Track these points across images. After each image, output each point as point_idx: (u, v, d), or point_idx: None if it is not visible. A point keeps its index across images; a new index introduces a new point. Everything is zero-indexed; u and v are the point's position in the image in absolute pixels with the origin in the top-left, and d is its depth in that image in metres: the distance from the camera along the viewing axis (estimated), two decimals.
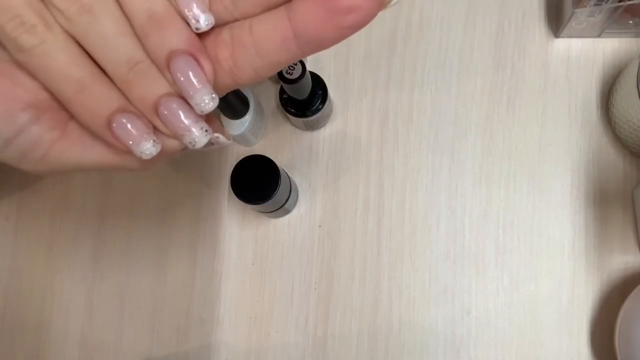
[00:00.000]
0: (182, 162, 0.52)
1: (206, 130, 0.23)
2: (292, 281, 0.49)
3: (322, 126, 0.51)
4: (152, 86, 0.22)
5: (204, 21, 0.22)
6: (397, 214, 0.49)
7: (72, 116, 0.23)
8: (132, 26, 0.22)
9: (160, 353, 0.49)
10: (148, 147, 0.22)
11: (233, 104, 0.45)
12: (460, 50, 0.51)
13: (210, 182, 0.51)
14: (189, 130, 0.23)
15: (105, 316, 0.50)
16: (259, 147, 0.51)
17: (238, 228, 0.50)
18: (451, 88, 0.50)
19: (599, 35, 0.49)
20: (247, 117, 0.47)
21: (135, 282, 0.50)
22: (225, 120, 0.48)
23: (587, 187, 0.48)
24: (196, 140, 0.23)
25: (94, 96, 0.22)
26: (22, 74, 0.22)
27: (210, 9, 0.22)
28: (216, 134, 0.24)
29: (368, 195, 0.50)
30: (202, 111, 0.22)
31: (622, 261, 0.47)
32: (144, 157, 0.23)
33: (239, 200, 0.42)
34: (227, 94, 0.43)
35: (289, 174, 0.48)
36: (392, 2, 0.22)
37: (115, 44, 0.22)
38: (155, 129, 0.23)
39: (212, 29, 0.22)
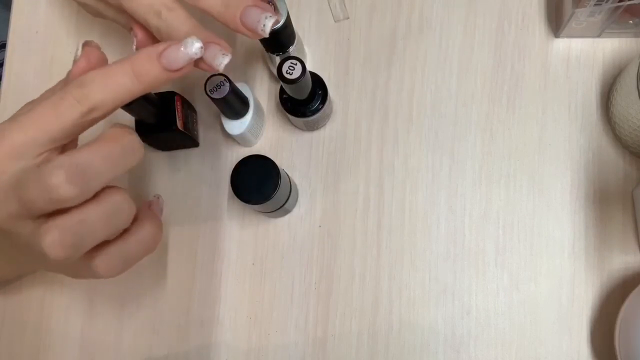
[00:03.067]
0: (182, 162, 0.52)
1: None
2: (292, 281, 0.49)
3: (322, 126, 0.51)
4: None
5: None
6: (397, 214, 0.49)
7: None
8: None
9: (160, 353, 0.49)
10: (220, 59, 0.36)
11: (233, 104, 0.45)
12: (460, 50, 0.51)
13: (210, 182, 0.51)
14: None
15: (105, 316, 0.50)
16: (259, 147, 0.51)
17: (238, 228, 0.50)
18: (451, 88, 0.50)
19: (599, 35, 0.49)
20: (247, 117, 0.47)
21: (136, 282, 0.50)
22: (225, 120, 0.48)
23: (587, 187, 0.48)
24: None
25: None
26: None
27: None
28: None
29: (368, 195, 0.50)
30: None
31: (622, 261, 0.47)
32: (220, 67, 0.36)
33: (239, 200, 0.42)
34: (227, 94, 0.43)
35: (289, 174, 0.48)
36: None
37: None
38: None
39: None
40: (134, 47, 0.39)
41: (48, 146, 0.33)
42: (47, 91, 0.37)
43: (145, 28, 0.39)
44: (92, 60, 0.35)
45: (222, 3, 0.37)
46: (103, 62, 0.36)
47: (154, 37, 0.40)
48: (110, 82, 0.33)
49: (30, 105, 0.36)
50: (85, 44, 0.36)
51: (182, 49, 0.33)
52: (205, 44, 0.35)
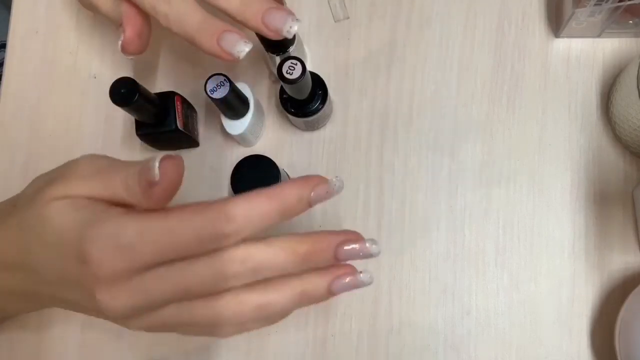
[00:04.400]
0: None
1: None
2: None
3: (322, 126, 0.51)
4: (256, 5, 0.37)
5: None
6: (397, 214, 0.49)
7: None
8: None
9: (160, 353, 0.49)
10: (242, 46, 0.36)
11: (233, 104, 0.45)
12: (460, 50, 0.51)
13: (210, 182, 0.51)
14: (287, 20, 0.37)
15: None
16: (259, 147, 0.51)
17: None
18: (451, 88, 0.50)
19: (599, 35, 0.49)
20: (247, 117, 0.47)
21: None
22: (225, 120, 0.48)
23: (587, 187, 0.48)
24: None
25: (209, 27, 0.36)
26: None
27: None
28: None
29: (368, 195, 0.50)
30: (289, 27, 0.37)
31: (622, 261, 0.47)
32: (241, 55, 0.36)
33: None
34: (227, 94, 0.43)
35: (289, 174, 0.48)
36: None
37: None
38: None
39: None
40: (120, 43, 0.39)
41: None
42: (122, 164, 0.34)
43: (134, 26, 0.38)
44: (173, 177, 0.31)
45: (241, 2, 0.37)
46: (181, 173, 0.32)
47: (141, 35, 0.39)
48: (259, 221, 0.31)
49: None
50: (164, 161, 0.30)
51: (328, 190, 0.33)
52: (224, 32, 0.36)
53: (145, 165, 0.30)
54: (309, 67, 0.45)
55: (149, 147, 0.51)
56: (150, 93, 0.45)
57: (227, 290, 0.32)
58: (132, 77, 0.43)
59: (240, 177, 0.42)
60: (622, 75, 0.46)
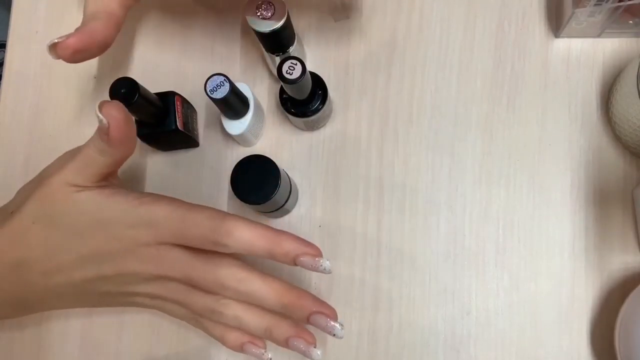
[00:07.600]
0: (182, 162, 0.52)
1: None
2: (292, 281, 0.49)
3: (322, 126, 0.51)
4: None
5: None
6: (397, 214, 0.49)
7: None
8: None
9: (160, 353, 0.49)
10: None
11: (233, 104, 0.45)
12: (460, 50, 0.51)
13: (210, 182, 0.51)
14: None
15: (105, 316, 0.50)
16: (259, 147, 0.51)
17: None
18: (451, 88, 0.50)
19: (599, 35, 0.49)
20: (247, 117, 0.47)
21: None
22: (225, 120, 0.48)
23: (587, 187, 0.48)
24: None
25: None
26: None
27: None
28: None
29: (368, 195, 0.50)
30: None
31: (622, 261, 0.47)
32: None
33: (239, 200, 0.42)
34: (227, 94, 0.43)
35: (289, 174, 0.48)
36: None
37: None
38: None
39: None
40: (55, 40, 0.41)
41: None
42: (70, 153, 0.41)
43: (85, 43, 0.43)
44: (116, 114, 0.37)
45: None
46: (126, 115, 0.38)
47: (82, 53, 0.43)
48: (250, 248, 0.38)
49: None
50: (104, 107, 0.37)
51: (315, 263, 0.38)
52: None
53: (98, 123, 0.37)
54: (309, 67, 0.45)
55: (149, 147, 0.51)
56: (150, 93, 0.45)
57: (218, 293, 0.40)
58: (132, 77, 0.43)
59: (240, 177, 0.42)
60: (622, 75, 0.46)
